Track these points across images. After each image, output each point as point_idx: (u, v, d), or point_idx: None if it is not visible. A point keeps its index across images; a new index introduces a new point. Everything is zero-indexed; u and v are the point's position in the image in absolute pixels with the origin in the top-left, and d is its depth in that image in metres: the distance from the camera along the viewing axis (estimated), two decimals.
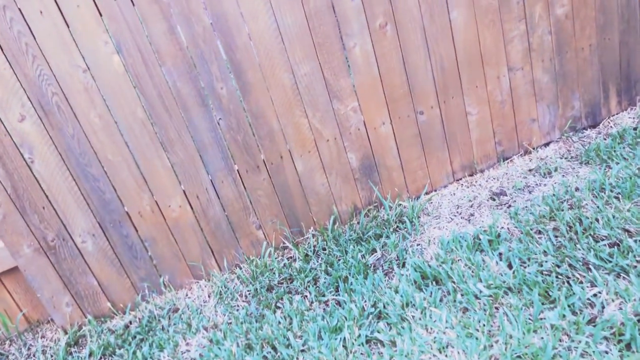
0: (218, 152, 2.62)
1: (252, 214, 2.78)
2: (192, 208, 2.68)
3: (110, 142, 2.47)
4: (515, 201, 2.70)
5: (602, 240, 2.17)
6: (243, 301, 2.55)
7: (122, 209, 2.59)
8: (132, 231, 2.63)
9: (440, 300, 2.14)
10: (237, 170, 2.69)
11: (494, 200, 2.76)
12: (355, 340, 2.05)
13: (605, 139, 3.09)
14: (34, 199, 2.46)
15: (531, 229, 2.39)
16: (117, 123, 2.46)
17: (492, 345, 1.83)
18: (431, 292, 2.18)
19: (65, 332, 2.62)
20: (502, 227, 2.50)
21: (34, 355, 2.54)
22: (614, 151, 2.90)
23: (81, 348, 2.53)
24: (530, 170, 2.98)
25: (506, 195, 2.77)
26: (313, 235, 2.85)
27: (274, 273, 2.66)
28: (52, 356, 2.48)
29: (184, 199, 2.65)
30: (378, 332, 2.06)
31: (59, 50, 2.30)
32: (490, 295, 2.05)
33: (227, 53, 2.51)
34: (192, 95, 2.51)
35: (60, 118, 2.38)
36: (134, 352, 2.37)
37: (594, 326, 1.77)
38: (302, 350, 2.09)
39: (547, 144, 3.17)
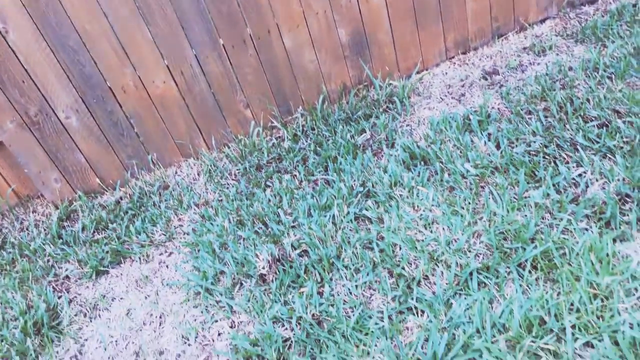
0: (202, 25, 2.49)
1: (239, 91, 2.71)
2: (176, 84, 2.60)
3: (87, 13, 2.32)
4: (507, 81, 2.66)
5: (592, 121, 2.17)
6: (233, 180, 2.57)
7: (105, 84, 2.50)
8: (117, 107, 2.57)
9: (428, 179, 2.17)
10: (223, 45, 2.57)
11: (486, 79, 2.72)
12: (344, 217, 2.11)
13: (603, 16, 2.98)
14: (12, 72, 2.36)
15: (521, 109, 2.38)
16: None
17: (476, 222, 1.90)
18: (419, 172, 2.21)
19: (57, 207, 2.66)
20: (493, 108, 2.49)
21: (27, 229, 2.58)
22: (611, 29, 2.81)
23: (73, 222, 2.58)
24: (524, 48, 2.90)
25: (499, 75, 2.72)
26: (302, 115, 2.81)
27: (262, 152, 2.66)
28: (45, 230, 2.53)
29: (168, 75, 2.56)
30: (366, 209, 2.12)
31: None
32: (477, 175, 2.09)
33: None
34: None
35: None
36: (127, 227, 2.42)
37: (577, 205, 1.82)
38: (293, 227, 2.15)
39: (543, 20, 3.06)
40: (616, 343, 1.35)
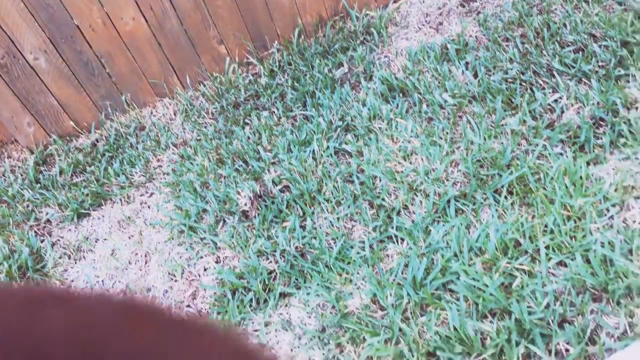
0: None
1: (212, 27, 2.63)
2: (146, 21, 2.50)
3: None
4: (485, 7, 2.61)
5: (568, 46, 2.17)
6: (210, 118, 2.54)
7: (72, 22, 2.40)
8: (86, 47, 2.48)
9: (407, 111, 2.17)
10: None
11: (464, 7, 2.67)
12: (324, 152, 2.11)
13: None
14: None
15: (499, 37, 2.36)
16: None
17: (453, 152, 1.92)
18: (398, 104, 2.20)
19: (32, 152, 2.61)
20: (471, 36, 2.46)
21: (3, 175, 2.55)
22: None
23: (50, 167, 2.54)
24: None
25: (476, 2, 2.68)
26: (278, 50, 2.75)
27: (239, 90, 2.62)
28: (21, 175, 2.50)
29: (137, 10, 2.46)
30: (346, 143, 2.12)
31: None
32: (455, 105, 2.09)
33: None
34: None
35: None
36: (105, 169, 2.40)
37: (552, 130, 1.85)
38: (273, 163, 2.15)
39: None
40: (588, 261, 1.41)
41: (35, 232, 2.20)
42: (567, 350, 1.25)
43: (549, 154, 1.78)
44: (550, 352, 1.25)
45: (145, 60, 2.61)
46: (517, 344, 1.28)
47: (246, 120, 2.44)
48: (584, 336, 1.24)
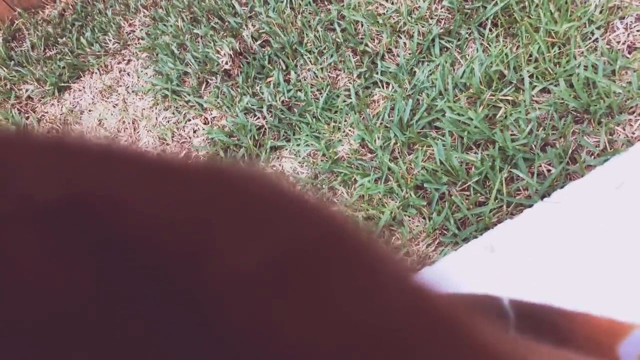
0: None
1: None
2: None
3: None
4: None
5: None
6: None
7: None
8: None
9: None
10: None
11: None
12: (302, 0, 2.02)
13: None
14: None
15: None
16: None
17: None
18: None
19: None
20: None
21: None
22: None
23: (21, 42, 2.44)
24: None
25: None
26: None
27: None
28: None
29: None
30: None
31: None
32: None
33: None
34: None
35: None
36: (78, 39, 2.31)
37: None
38: (250, 17, 2.07)
39: None
40: (571, 86, 1.42)
41: (18, 110, 2.17)
42: (549, 171, 1.31)
43: None
44: (532, 174, 1.31)
45: None
46: (501, 169, 1.33)
47: None
48: (565, 156, 1.29)
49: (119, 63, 2.18)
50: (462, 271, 1.11)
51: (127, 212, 0.14)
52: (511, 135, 1.38)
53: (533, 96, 1.45)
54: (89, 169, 0.15)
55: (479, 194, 1.33)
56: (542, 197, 1.24)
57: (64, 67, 2.21)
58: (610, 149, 1.27)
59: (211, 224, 0.14)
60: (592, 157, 1.28)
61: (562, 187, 1.21)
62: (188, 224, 0.14)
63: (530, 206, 1.20)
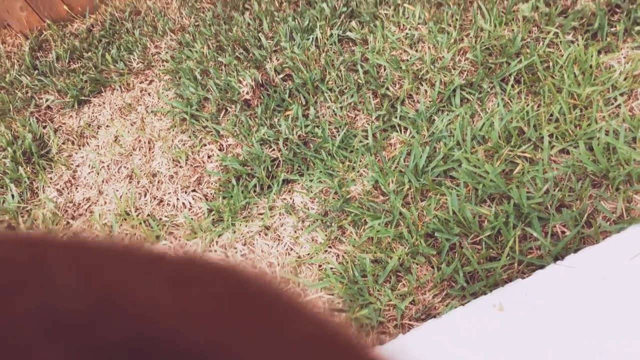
0: None
1: None
2: None
3: None
4: None
5: None
6: (208, 3, 2.44)
7: None
8: None
9: None
10: None
11: None
12: (327, 39, 2.05)
13: None
14: None
15: None
16: None
17: (462, 39, 1.86)
18: None
19: (27, 38, 2.53)
20: None
21: None
22: None
23: (46, 53, 2.48)
24: None
25: None
26: None
27: None
28: (18, 61, 2.44)
29: None
30: (350, 30, 2.05)
31: None
32: None
33: None
34: None
35: None
36: (103, 55, 2.34)
37: (565, 17, 1.78)
38: (275, 51, 2.10)
39: None
40: (590, 149, 1.42)
41: (36, 118, 2.19)
42: (563, 232, 1.29)
43: (560, 42, 1.72)
44: (546, 234, 1.29)
45: None
46: (515, 226, 1.31)
47: (246, 5, 2.34)
48: (580, 220, 1.27)
49: (141, 82, 2.21)
50: (470, 329, 1.08)
51: (152, 325, 0.15)
52: (527, 192, 1.37)
53: (551, 156, 1.44)
54: (111, 275, 0.16)
55: (490, 249, 1.31)
56: (555, 259, 1.22)
57: (86, 81, 2.23)
58: (627, 216, 1.26)
59: (231, 330, 0.16)
60: (608, 223, 1.27)
61: (575, 251, 1.20)
62: (210, 332, 0.15)
63: (542, 267, 1.18)
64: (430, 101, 1.74)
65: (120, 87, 2.21)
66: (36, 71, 2.36)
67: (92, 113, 2.17)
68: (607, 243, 1.15)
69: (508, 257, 1.28)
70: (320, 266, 1.47)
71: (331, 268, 1.44)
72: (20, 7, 2.48)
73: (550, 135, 1.48)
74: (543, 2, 1.84)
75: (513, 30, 1.81)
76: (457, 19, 1.92)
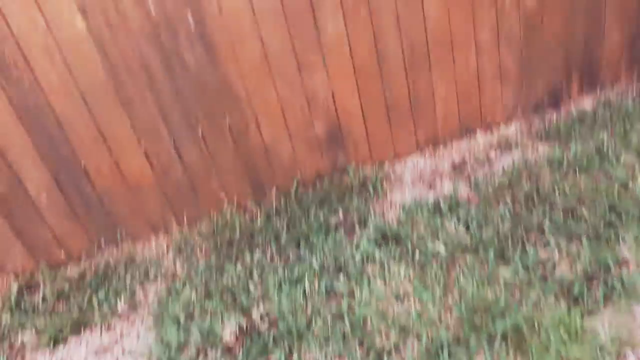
0: (181, 114, 2.59)
1: (214, 176, 2.75)
2: (152, 167, 2.62)
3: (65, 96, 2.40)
4: (476, 172, 2.78)
5: (557, 209, 2.26)
6: (203, 255, 2.55)
7: (79, 165, 2.52)
8: (90, 187, 2.56)
9: (400, 257, 2.19)
10: (201, 135, 2.65)
11: (456, 170, 2.84)
12: (315, 291, 2.09)
13: (565, 120, 3.15)
14: None
15: (490, 197, 2.47)
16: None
17: (447, 297, 1.90)
18: (391, 250, 2.23)
19: (17, 276, 2.56)
20: (462, 195, 2.58)
21: None
22: (573, 131, 2.96)
23: (34, 291, 2.47)
24: (491, 145, 3.05)
25: (468, 167, 2.85)
26: (276, 197, 2.86)
27: (234, 229, 2.66)
28: (2, 299, 2.41)
29: (145, 159, 2.59)
30: (338, 282, 2.11)
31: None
32: (448, 254, 2.12)
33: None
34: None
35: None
36: (89, 298, 2.33)
37: (545, 282, 1.86)
38: (263, 297, 2.11)
39: (509, 122, 3.24)
40: None
41: (7, 357, 2.07)
42: None
43: (543, 305, 1.76)
44: None
45: (146, 203, 2.68)
46: None
47: (239, 257, 2.44)
48: None
49: (123, 322, 2.16)
50: None
51: None
52: None
53: None
54: None
55: None
56: None
57: (66, 322, 2.18)
58: None
59: None
60: None
61: None
62: None
63: None
64: (417, 354, 1.68)
65: (101, 326, 2.16)
66: (19, 310, 2.32)
67: (67, 353, 2.06)
68: None
69: None
70: None
71: None
72: (18, 250, 2.57)
73: None
74: (522, 269, 1.95)
75: (496, 292, 1.86)
76: (440, 279, 1.99)
